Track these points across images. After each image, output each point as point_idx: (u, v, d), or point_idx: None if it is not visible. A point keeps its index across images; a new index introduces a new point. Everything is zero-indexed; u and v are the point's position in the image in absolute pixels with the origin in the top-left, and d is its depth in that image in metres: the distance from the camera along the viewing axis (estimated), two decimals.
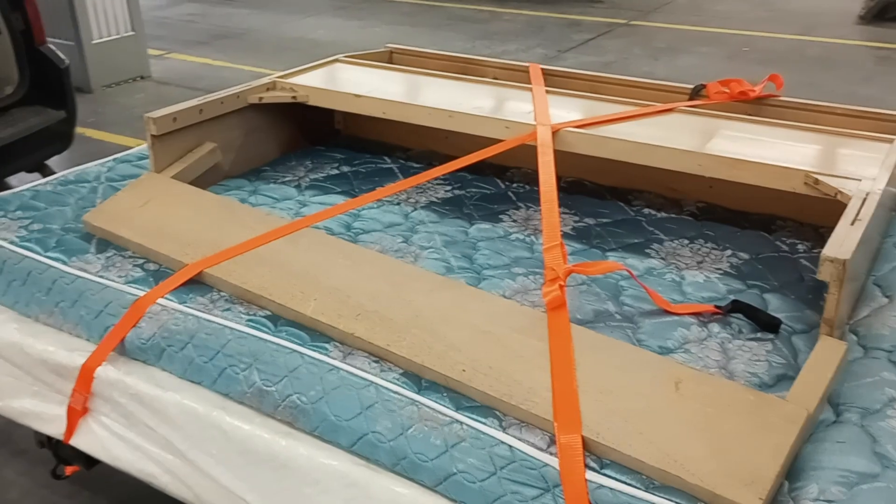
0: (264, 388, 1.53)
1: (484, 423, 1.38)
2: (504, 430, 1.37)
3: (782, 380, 1.49)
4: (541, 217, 1.79)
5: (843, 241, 1.49)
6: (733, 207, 2.16)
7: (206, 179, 2.25)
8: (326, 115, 2.59)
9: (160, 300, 1.71)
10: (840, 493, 1.19)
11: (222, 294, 1.74)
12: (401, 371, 1.50)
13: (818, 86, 5.65)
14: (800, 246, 1.98)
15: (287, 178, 2.35)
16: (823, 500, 1.19)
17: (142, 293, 1.74)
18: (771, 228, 2.07)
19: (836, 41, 7.19)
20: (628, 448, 1.29)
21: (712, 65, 6.53)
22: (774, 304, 1.72)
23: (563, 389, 1.39)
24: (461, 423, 1.38)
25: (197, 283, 1.76)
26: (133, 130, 4.87)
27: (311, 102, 2.34)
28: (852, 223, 1.56)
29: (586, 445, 1.31)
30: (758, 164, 1.85)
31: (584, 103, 2.30)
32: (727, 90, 2.34)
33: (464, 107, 2.19)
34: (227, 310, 1.68)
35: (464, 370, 1.46)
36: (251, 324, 1.64)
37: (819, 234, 2.04)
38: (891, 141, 2.00)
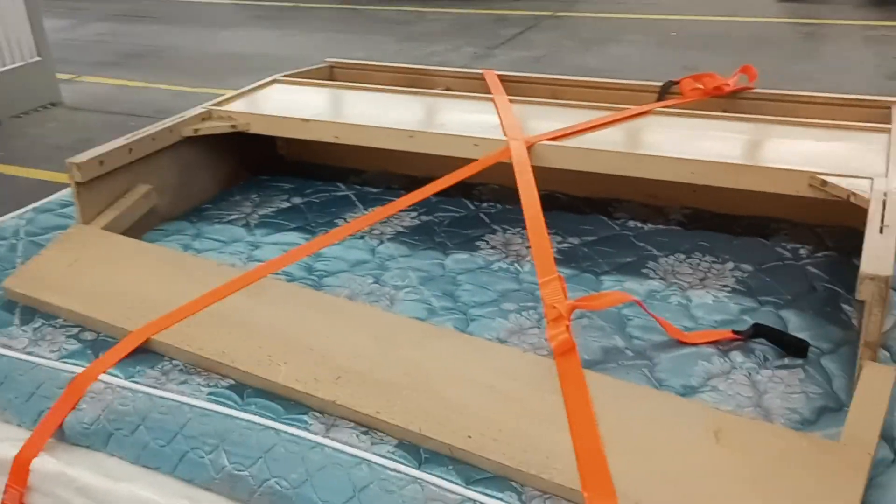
0: (236, 472, 1.31)
1: (501, 499, 1.19)
2: None
3: (824, 413, 1.33)
4: (527, 244, 1.62)
5: (878, 254, 1.33)
6: (721, 211, 2.02)
7: (142, 226, 1.99)
8: (267, 141, 2.36)
9: (102, 376, 1.48)
10: None
11: (175, 364, 1.51)
12: (395, 442, 1.30)
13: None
14: (801, 251, 1.83)
15: (233, 217, 2.11)
16: None
17: (79, 369, 1.50)
18: (766, 232, 1.92)
19: (762, 20, 7.23)
20: None
21: (644, 52, 6.46)
22: (794, 323, 1.57)
23: (588, 450, 1.21)
24: (473, 500, 1.19)
25: (144, 353, 1.53)
26: (48, 163, 4.51)
27: (254, 131, 2.10)
28: (881, 231, 1.41)
29: None
30: (757, 169, 1.69)
31: (551, 111, 2.12)
32: (701, 86, 2.19)
33: (425, 125, 1.99)
34: (184, 382, 1.46)
35: (470, 436, 1.26)
36: (213, 397, 1.42)
37: (817, 234, 1.90)
38: (885, 130, 1.88)
